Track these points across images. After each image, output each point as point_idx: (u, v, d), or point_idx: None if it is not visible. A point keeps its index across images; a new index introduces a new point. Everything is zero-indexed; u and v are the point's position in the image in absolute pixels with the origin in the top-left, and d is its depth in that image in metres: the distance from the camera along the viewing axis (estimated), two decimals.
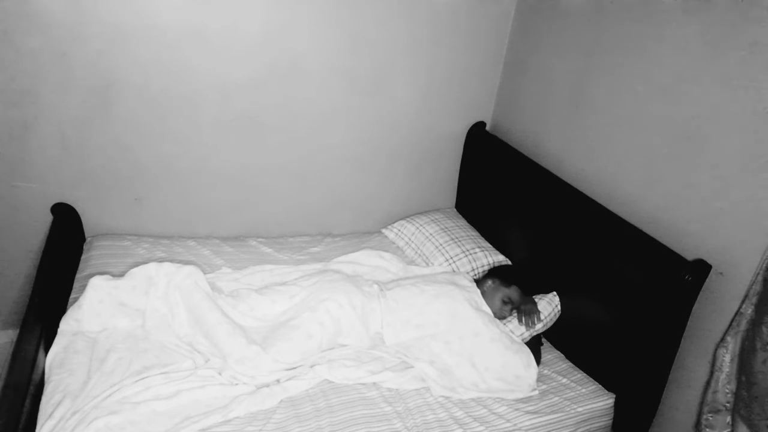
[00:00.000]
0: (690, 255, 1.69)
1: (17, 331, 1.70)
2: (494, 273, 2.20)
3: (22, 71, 1.88)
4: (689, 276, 1.59)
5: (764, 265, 1.48)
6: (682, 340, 1.71)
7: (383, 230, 2.65)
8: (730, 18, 1.54)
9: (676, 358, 1.74)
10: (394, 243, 2.57)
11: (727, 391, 1.61)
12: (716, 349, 1.64)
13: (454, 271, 2.33)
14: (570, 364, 2.02)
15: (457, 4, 2.33)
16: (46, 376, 1.56)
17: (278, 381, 1.71)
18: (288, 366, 1.74)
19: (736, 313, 1.58)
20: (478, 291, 2.09)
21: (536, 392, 1.84)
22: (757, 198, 1.52)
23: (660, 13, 1.75)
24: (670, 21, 1.72)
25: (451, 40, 2.41)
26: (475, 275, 2.32)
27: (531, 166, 2.29)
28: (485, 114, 2.66)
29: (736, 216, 1.58)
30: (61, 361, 1.59)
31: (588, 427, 1.83)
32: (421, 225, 2.55)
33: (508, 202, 2.44)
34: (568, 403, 1.82)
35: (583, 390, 1.88)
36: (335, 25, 2.19)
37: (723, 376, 1.61)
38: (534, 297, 2.10)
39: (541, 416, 1.75)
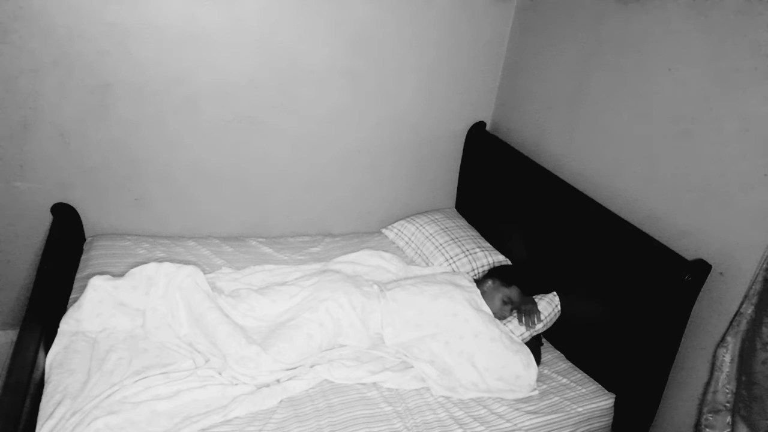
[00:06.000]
0: (690, 255, 1.69)
1: (17, 331, 1.70)
2: (494, 273, 2.20)
3: (22, 71, 1.88)
4: (689, 276, 1.59)
5: (764, 265, 1.48)
6: (682, 340, 1.71)
7: (383, 230, 2.65)
8: (731, 17, 1.54)
9: (676, 358, 1.74)
10: (394, 243, 2.57)
11: (727, 391, 1.61)
12: (716, 349, 1.64)
13: (454, 271, 2.33)
14: (570, 364, 2.02)
15: (457, 4, 2.33)
16: (46, 376, 1.56)
17: (278, 381, 1.71)
18: (288, 366, 1.74)
19: (736, 313, 1.58)
20: (478, 291, 2.09)
21: (536, 392, 1.84)
22: (757, 198, 1.52)
23: (661, 13, 1.75)
24: (671, 20, 1.72)
25: (451, 40, 2.41)
26: (475, 275, 2.32)
27: (531, 166, 2.29)
28: (485, 114, 2.66)
29: (736, 216, 1.58)
30: (61, 361, 1.59)
31: (588, 427, 1.83)
32: (421, 225, 2.55)
33: (508, 202, 2.44)
34: (568, 403, 1.82)
35: (583, 390, 1.88)
36: (335, 26, 2.20)
37: (723, 376, 1.61)
38: (534, 297, 2.10)
39: (541, 416, 1.75)
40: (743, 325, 1.55)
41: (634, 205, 1.90)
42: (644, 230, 1.82)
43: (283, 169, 2.41)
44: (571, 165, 2.17)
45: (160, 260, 1.94)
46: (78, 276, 1.99)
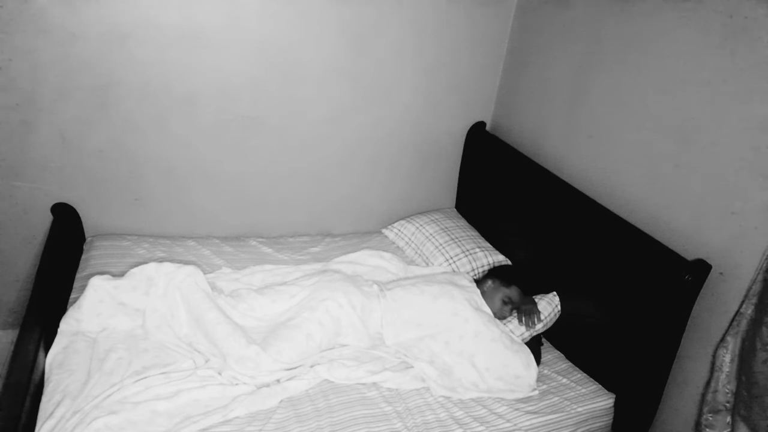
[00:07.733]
0: (690, 255, 1.68)
1: (17, 331, 1.70)
2: (494, 273, 2.20)
3: (22, 71, 1.88)
4: (689, 276, 1.59)
5: (764, 265, 1.48)
6: (682, 340, 1.71)
7: (383, 230, 2.65)
8: (731, 17, 1.54)
9: (676, 358, 1.74)
10: (394, 243, 2.57)
11: (727, 391, 1.61)
12: (716, 349, 1.64)
13: (454, 271, 2.33)
14: (570, 364, 2.02)
15: (458, 4, 2.33)
16: (46, 376, 1.56)
17: (278, 381, 1.71)
18: (288, 366, 1.74)
19: (736, 313, 1.58)
20: (478, 291, 2.09)
21: (536, 392, 1.84)
22: (757, 198, 1.52)
23: (661, 13, 1.75)
24: (671, 21, 1.72)
25: (451, 41, 2.41)
26: (475, 275, 2.32)
27: (531, 166, 2.29)
28: (485, 114, 2.66)
29: (736, 216, 1.57)
30: (61, 361, 1.59)
31: (588, 427, 1.83)
32: (421, 225, 2.55)
33: (508, 202, 2.44)
34: (568, 403, 1.82)
35: (583, 390, 1.88)
36: (335, 26, 2.19)
37: (723, 376, 1.61)
38: (534, 297, 2.10)
39: (541, 416, 1.75)
40: (743, 325, 1.55)
41: (634, 205, 1.90)
42: (644, 230, 1.82)
43: (282, 168, 2.41)
44: (571, 165, 2.17)
45: (160, 260, 1.94)
46: (78, 276, 1.99)
